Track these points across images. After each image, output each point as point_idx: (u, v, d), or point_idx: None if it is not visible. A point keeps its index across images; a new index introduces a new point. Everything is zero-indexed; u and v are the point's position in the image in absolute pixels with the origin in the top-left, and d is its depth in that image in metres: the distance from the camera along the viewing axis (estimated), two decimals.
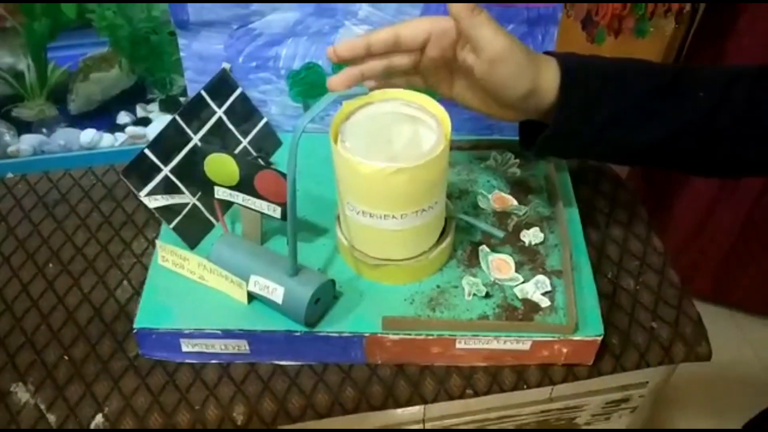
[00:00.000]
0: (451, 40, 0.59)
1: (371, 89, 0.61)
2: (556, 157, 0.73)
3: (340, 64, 0.74)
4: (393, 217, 0.59)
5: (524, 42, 0.71)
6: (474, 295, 0.63)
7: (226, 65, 0.73)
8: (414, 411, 0.68)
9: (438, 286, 0.64)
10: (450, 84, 0.63)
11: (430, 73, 0.62)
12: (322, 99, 0.57)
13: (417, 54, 0.60)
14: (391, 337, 0.61)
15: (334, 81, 0.59)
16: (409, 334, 0.61)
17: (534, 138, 0.61)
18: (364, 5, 0.70)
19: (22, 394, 0.62)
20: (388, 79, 0.62)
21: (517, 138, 0.78)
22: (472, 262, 0.66)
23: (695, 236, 1.34)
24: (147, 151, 0.65)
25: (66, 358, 0.64)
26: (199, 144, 0.69)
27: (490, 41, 0.55)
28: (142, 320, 0.62)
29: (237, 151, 0.74)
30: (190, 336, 0.62)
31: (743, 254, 1.34)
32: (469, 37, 0.56)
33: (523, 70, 0.56)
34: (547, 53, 0.59)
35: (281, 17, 0.71)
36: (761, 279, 1.38)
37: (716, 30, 1.15)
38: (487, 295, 0.63)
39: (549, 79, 0.57)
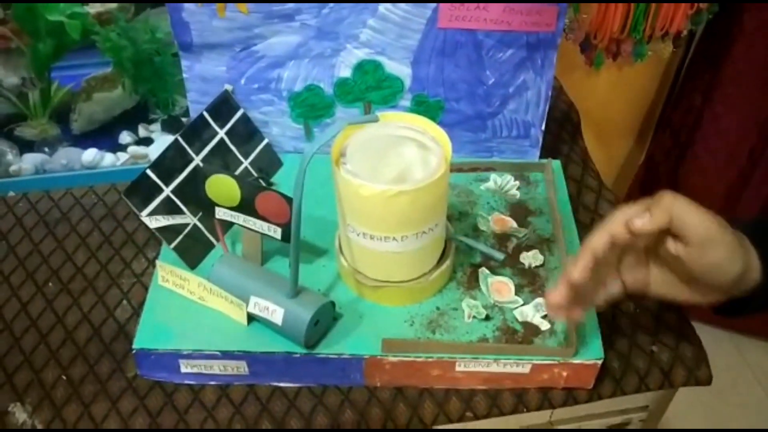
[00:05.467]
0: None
1: (580, 316, 0.56)
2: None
3: (342, 88, 0.75)
4: (393, 239, 0.59)
5: (524, 66, 0.73)
6: (474, 317, 0.63)
7: (228, 87, 0.74)
8: None
9: (438, 308, 0.64)
10: (646, 279, 0.57)
11: (627, 271, 0.57)
12: (332, 127, 0.57)
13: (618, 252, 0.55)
14: (391, 359, 0.61)
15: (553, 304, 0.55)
16: (409, 357, 0.61)
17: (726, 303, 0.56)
18: (365, 30, 0.70)
19: (19, 414, 0.62)
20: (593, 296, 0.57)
21: (516, 160, 0.79)
22: (472, 284, 0.66)
23: None
24: (149, 172, 0.66)
25: (64, 377, 0.64)
26: (200, 165, 0.70)
27: (699, 223, 0.50)
28: (141, 340, 0.62)
29: (238, 171, 0.74)
30: (190, 357, 0.61)
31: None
32: (675, 225, 0.51)
33: (736, 249, 0.51)
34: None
35: (283, 40, 0.71)
36: None
37: (713, 54, 1.16)
38: (487, 318, 0.63)
39: (753, 254, 0.52)
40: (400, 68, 0.74)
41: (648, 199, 0.53)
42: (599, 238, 0.52)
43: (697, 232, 0.50)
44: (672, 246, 0.52)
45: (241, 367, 0.62)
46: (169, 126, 0.81)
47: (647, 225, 0.51)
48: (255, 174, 0.76)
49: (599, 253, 0.52)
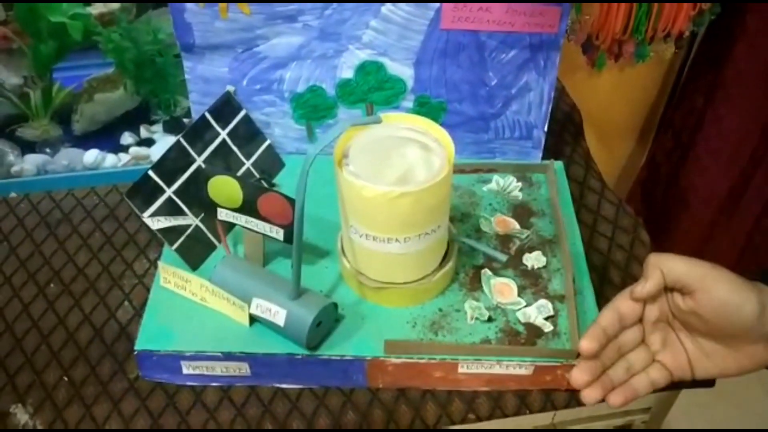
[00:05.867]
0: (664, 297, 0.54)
1: (624, 400, 0.55)
2: None
3: (344, 89, 0.75)
4: (396, 240, 0.59)
5: (527, 67, 0.73)
6: (476, 318, 0.63)
7: (230, 88, 0.74)
8: None
9: (440, 310, 0.64)
10: (683, 352, 0.56)
11: (660, 351, 0.56)
12: (335, 128, 0.57)
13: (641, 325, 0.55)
14: (393, 360, 0.61)
15: (581, 382, 0.53)
16: (411, 358, 0.61)
17: None
18: (368, 31, 0.70)
19: (21, 415, 0.62)
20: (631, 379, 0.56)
21: (518, 161, 0.78)
22: (475, 285, 0.66)
23: None
24: (151, 173, 0.65)
25: (66, 379, 0.64)
26: (202, 166, 0.70)
27: (691, 270, 0.51)
28: (143, 342, 0.62)
29: (240, 173, 0.74)
30: (191, 358, 0.61)
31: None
32: (671, 279, 0.52)
33: (739, 284, 0.51)
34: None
35: (286, 41, 0.71)
36: None
37: (715, 55, 1.16)
38: (490, 319, 0.63)
39: None
40: (402, 69, 0.73)
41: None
42: (605, 314, 0.54)
43: (692, 275, 0.51)
44: (681, 301, 0.53)
45: (243, 369, 0.62)
46: (171, 127, 0.81)
47: (645, 288, 0.53)
48: (257, 175, 0.75)
49: (608, 327, 0.53)
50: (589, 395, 0.53)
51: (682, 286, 0.52)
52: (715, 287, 0.51)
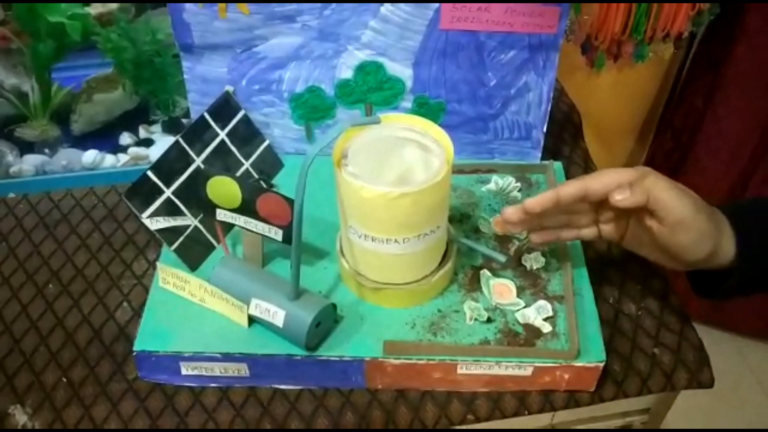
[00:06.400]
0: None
1: (543, 241, 0.60)
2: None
3: (343, 89, 0.75)
4: (395, 241, 0.59)
5: (526, 67, 0.73)
6: (475, 319, 0.63)
7: (229, 88, 0.74)
8: None
9: (439, 311, 0.64)
10: (622, 233, 0.60)
11: (604, 222, 0.60)
12: (333, 129, 0.57)
13: (595, 206, 0.58)
14: (392, 361, 0.61)
15: (508, 216, 0.58)
16: (410, 359, 0.61)
17: (701, 276, 0.59)
18: (367, 31, 0.70)
19: (19, 416, 0.62)
20: (560, 231, 0.61)
21: (517, 161, 0.79)
22: (474, 286, 0.66)
23: None
24: (150, 173, 0.65)
25: (64, 380, 0.64)
26: (201, 166, 0.70)
27: (672, 208, 0.53)
28: (141, 343, 0.62)
29: (239, 173, 0.74)
30: (190, 359, 0.61)
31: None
32: (651, 204, 0.53)
33: (705, 235, 0.53)
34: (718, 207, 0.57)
35: (284, 41, 0.71)
36: (762, 302, 1.38)
37: (714, 56, 1.16)
38: (489, 320, 0.63)
39: (728, 238, 0.55)
40: (401, 69, 0.73)
41: (631, 168, 0.55)
42: (571, 188, 0.55)
43: (670, 214, 0.53)
44: (646, 218, 0.55)
45: (241, 370, 0.62)
46: (169, 127, 0.81)
47: (625, 202, 0.54)
48: (256, 175, 0.75)
49: (564, 199, 0.55)
50: (507, 212, 0.57)
51: (657, 215, 0.53)
52: (681, 234, 0.53)
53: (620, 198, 0.54)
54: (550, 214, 0.58)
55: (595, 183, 0.55)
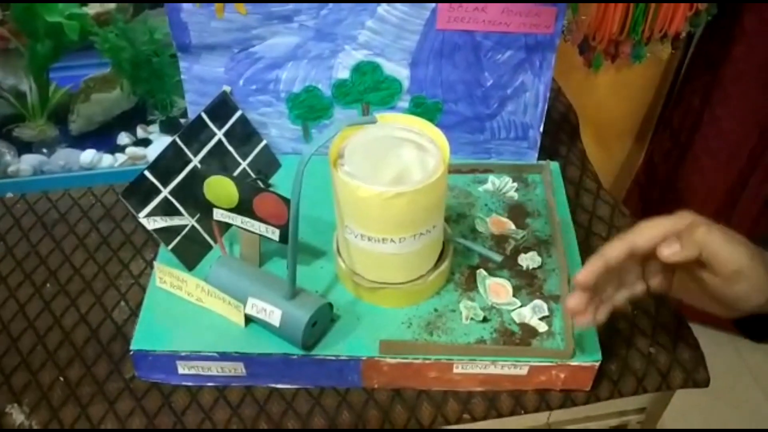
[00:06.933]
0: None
1: (607, 314, 0.56)
2: None
3: (340, 89, 0.75)
4: (391, 240, 0.59)
5: (523, 67, 0.73)
6: (471, 319, 0.63)
7: (226, 88, 0.74)
8: None
9: (435, 310, 0.64)
10: (670, 282, 0.56)
11: (651, 275, 0.56)
12: (330, 128, 0.57)
13: (640, 260, 0.55)
14: (389, 361, 0.61)
15: (573, 307, 0.54)
16: (407, 358, 0.61)
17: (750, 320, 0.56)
18: (364, 31, 0.70)
19: (17, 415, 0.62)
20: (616, 295, 0.56)
21: (514, 161, 0.79)
22: (470, 285, 0.66)
23: None
24: (147, 173, 0.66)
25: (62, 379, 0.64)
26: (198, 166, 0.70)
27: (727, 260, 0.49)
28: (138, 342, 0.62)
29: (236, 173, 0.74)
30: (187, 358, 0.61)
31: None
32: (705, 257, 0.50)
33: (763, 282, 0.50)
34: None
35: (282, 41, 0.71)
36: None
37: (712, 56, 1.16)
38: (485, 320, 0.63)
39: None
40: (398, 70, 0.74)
41: (674, 217, 0.51)
42: (617, 248, 0.52)
43: (726, 266, 0.49)
44: (696, 269, 0.51)
45: (238, 369, 0.62)
46: (167, 127, 0.81)
47: (675, 257, 0.50)
48: (253, 175, 0.76)
49: (612, 261, 0.52)
50: (569, 303, 0.53)
51: (711, 267, 0.50)
52: (738, 285, 0.49)
53: (669, 253, 0.50)
54: (603, 282, 0.54)
55: (640, 239, 0.52)
